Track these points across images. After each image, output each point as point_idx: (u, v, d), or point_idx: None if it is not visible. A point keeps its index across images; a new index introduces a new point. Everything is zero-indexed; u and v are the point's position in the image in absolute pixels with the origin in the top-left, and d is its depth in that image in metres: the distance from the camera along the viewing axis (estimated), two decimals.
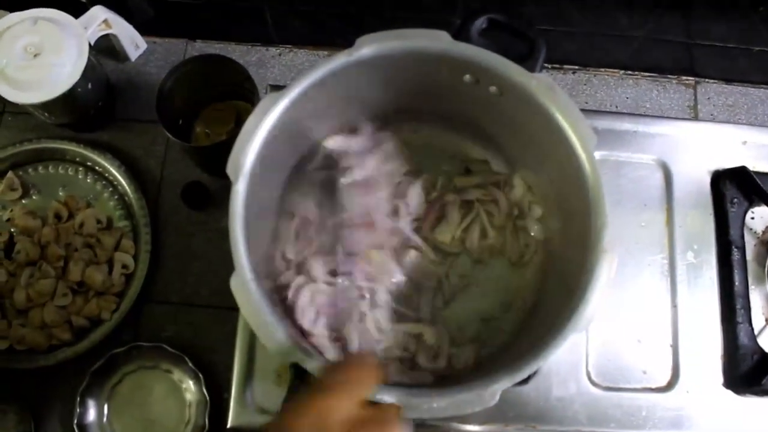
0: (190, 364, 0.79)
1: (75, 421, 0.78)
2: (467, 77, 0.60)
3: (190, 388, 0.81)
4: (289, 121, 0.57)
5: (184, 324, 0.84)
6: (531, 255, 0.67)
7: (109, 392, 0.81)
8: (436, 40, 0.58)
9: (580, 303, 0.53)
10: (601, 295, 0.53)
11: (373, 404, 0.47)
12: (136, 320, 0.83)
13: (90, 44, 0.80)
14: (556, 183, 0.63)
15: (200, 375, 0.79)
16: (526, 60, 0.60)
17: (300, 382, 0.51)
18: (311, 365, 0.50)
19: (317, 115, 0.61)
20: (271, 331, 0.50)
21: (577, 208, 0.57)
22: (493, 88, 0.60)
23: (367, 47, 0.57)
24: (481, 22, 0.60)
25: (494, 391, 0.51)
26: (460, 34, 0.59)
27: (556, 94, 0.57)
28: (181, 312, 0.84)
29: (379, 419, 0.44)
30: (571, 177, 0.57)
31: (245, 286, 0.52)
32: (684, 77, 0.94)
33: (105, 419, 0.81)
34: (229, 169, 0.54)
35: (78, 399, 0.78)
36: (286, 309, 0.62)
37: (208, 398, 0.79)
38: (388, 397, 0.50)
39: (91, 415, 0.80)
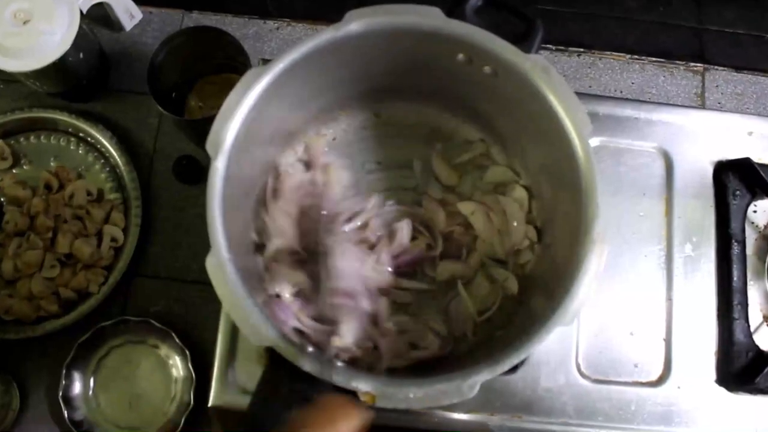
0: (177, 340, 0.79)
1: (60, 393, 0.77)
2: (460, 56, 0.58)
3: (176, 364, 0.81)
4: (275, 97, 0.55)
5: (173, 299, 0.83)
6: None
7: (95, 365, 0.81)
8: (428, 17, 0.55)
9: (567, 296, 0.51)
10: (590, 289, 0.51)
11: None
12: (124, 294, 0.83)
13: (82, 12, 0.78)
14: (549, 168, 0.61)
15: (187, 351, 0.79)
16: (523, 41, 0.57)
17: (275, 368, 0.50)
18: (287, 351, 0.49)
19: (304, 92, 0.59)
20: (247, 314, 0.49)
21: (570, 196, 0.55)
22: (486, 69, 0.58)
23: (356, 23, 0.54)
24: (476, 0, 0.58)
25: (473, 383, 0.49)
26: (453, 11, 0.57)
27: (552, 76, 0.55)
28: (171, 287, 0.84)
29: None
30: (564, 163, 0.55)
31: (222, 266, 0.50)
32: (692, 63, 0.91)
33: (91, 392, 0.80)
34: (209, 146, 0.52)
35: (64, 371, 0.78)
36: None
37: (194, 375, 0.78)
38: (362, 385, 0.49)
39: (77, 387, 0.80)
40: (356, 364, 0.58)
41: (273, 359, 0.50)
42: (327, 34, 0.55)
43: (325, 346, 0.58)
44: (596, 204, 0.53)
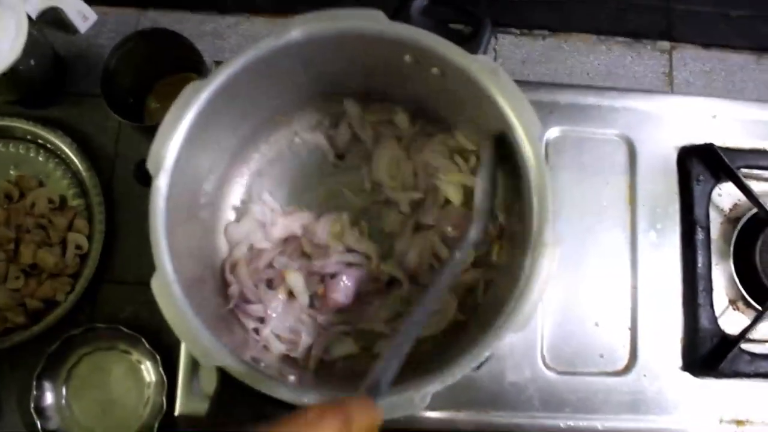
0: (147, 345, 0.79)
1: (32, 405, 0.77)
2: (407, 58, 0.56)
3: (148, 369, 0.81)
4: (219, 109, 0.54)
5: (141, 304, 0.83)
6: None
7: (66, 374, 0.81)
8: (371, 21, 0.54)
9: (517, 304, 0.50)
10: (540, 295, 0.51)
11: None
12: (92, 301, 0.82)
13: (31, 18, 0.76)
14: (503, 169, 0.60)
15: (157, 356, 0.78)
16: (471, 40, 0.56)
17: (227, 387, 0.50)
18: (237, 371, 0.49)
19: (249, 101, 0.58)
20: (195, 336, 0.49)
21: (523, 200, 0.54)
22: (434, 70, 0.56)
23: (296, 30, 0.53)
24: (422, 1, 0.56)
25: (425, 395, 0.49)
26: (399, 13, 0.56)
27: (500, 78, 0.54)
28: (138, 292, 0.83)
29: None
30: (516, 165, 0.54)
31: (167, 288, 0.50)
32: (660, 42, 0.90)
33: (63, 401, 0.80)
34: (149, 164, 0.51)
35: (34, 382, 0.78)
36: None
37: (165, 379, 0.78)
38: (307, 399, 0.49)
39: (49, 397, 0.79)
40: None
41: (224, 378, 0.50)
42: (268, 43, 0.53)
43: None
44: (547, 208, 0.52)
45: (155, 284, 0.50)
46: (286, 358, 0.61)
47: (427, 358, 0.57)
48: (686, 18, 0.86)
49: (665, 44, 0.90)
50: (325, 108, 0.66)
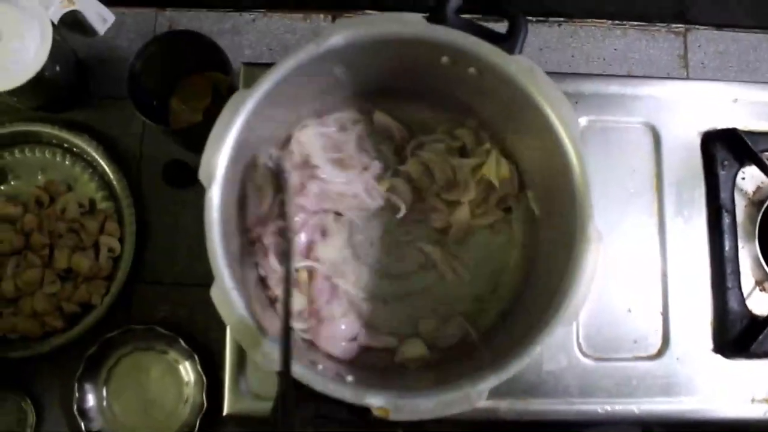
0: (184, 344, 0.80)
1: (75, 407, 0.79)
2: (444, 59, 0.57)
3: (186, 368, 0.82)
4: (260, 116, 0.55)
5: (176, 304, 0.84)
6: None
7: (106, 376, 0.82)
8: (408, 25, 0.55)
9: (565, 298, 0.52)
10: (588, 288, 0.53)
11: None
12: (127, 303, 0.83)
13: (53, 23, 0.76)
14: (541, 165, 0.61)
15: (195, 355, 0.80)
16: (507, 39, 0.57)
17: (288, 390, 0.51)
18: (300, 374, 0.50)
19: (289, 105, 0.59)
20: (256, 342, 0.50)
21: (563, 197, 0.55)
22: (471, 70, 0.57)
23: (336, 36, 0.54)
24: (457, 1, 0.57)
25: (482, 391, 0.51)
26: (435, 14, 0.56)
27: (537, 77, 0.55)
28: (172, 292, 0.84)
29: None
30: (555, 162, 0.56)
31: (227, 295, 0.51)
32: (673, 25, 0.91)
33: (105, 402, 0.82)
34: (202, 176, 0.52)
35: (76, 384, 0.79)
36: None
37: (204, 377, 0.80)
38: (375, 401, 0.50)
39: (91, 399, 0.81)
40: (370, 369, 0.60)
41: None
42: (309, 50, 0.54)
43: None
44: (590, 205, 0.53)
45: (215, 293, 0.51)
46: (342, 360, 0.62)
47: (475, 355, 0.58)
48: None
49: (679, 27, 0.91)
50: (360, 108, 0.67)
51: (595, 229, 0.53)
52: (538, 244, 0.64)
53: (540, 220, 0.64)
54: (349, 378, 0.54)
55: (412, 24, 0.55)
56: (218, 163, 0.52)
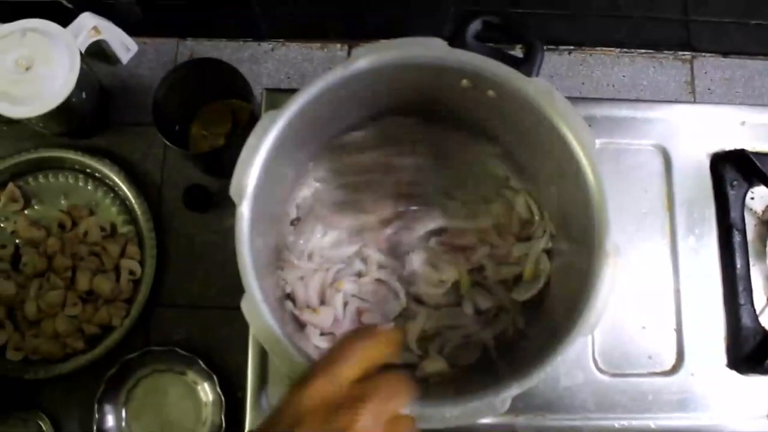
0: (203, 365, 0.81)
1: (95, 428, 0.79)
2: (464, 82, 0.59)
3: (204, 389, 0.83)
4: (288, 136, 0.57)
5: (193, 326, 0.85)
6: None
7: (125, 397, 0.83)
8: (431, 49, 0.57)
9: (585, 309, 0.54)
10: (606, 300, 0.54)
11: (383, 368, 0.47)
12: (146, 325, 0.84)
13: (81, 52, 0.79)
14: (559, 188, 0.63)
15: (214, 376, 0.81)
16: (524, 63, 0.59)
17: None
18: None
19: (314, 126, 0.61)
20: (288, 354, 0.51)
21: (580, 213, 0.57)
22: (490, 93, 0.59)
23: (363, 59, 0.56)
24: (476, 26, 0.59)
25: (505, 399, 0.52)
26: (455, 38, 0.59)
27: (555, 99, 0.57)
28: (190, 314, 0.86)
29: (390, 382, 0.45)
30: (573, 182, 0.57)
31: (257, 308, 0.52)
32: (680, 52, 0.93)
33: (123, 423, 0.82)
34: (233, 193, 0.54)
35: (96, 406, 0.80)
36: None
37: (223, 398, 0.80)
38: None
39: (110, 420, 0.82)
40: None
41: None
42: (336, 73, 0.56)
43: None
44: (608, 221, 0.55)
45: (245, 306, 0.52)
46: None
47: (493, 369, 0.60)
48: (705, 28, 0.90)
49: (686, 54, 0.94)
50: (381, 129, 0.69)
51: (612, 243, 0.55)
52: (555, 258, 0.66)
53: (557, 237, 0.66)
54: None
55: (434, 47, 0.57)
56: (249, 178, 0.54)
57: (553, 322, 0.59)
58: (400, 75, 0.59)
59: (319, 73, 0.57)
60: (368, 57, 0.56)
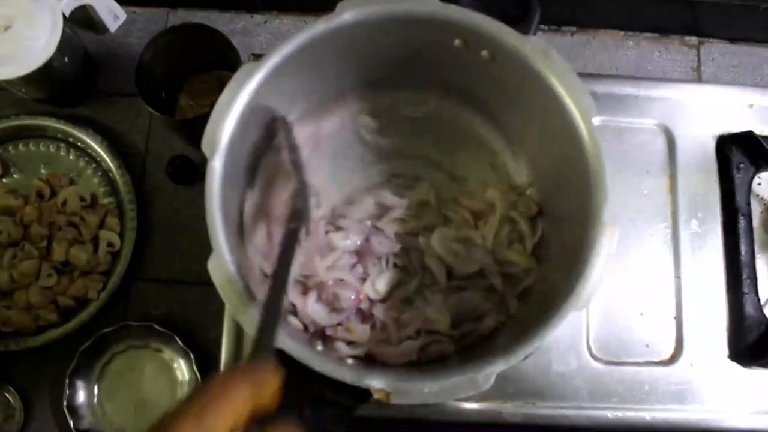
0: (180, 343, 0.78)
1: (65, 403, 0.76)
2: (457, 42, 0.56)
3: (181, 367, 0.80)
4: (269, 92, 0.54)
5: (174, 302, 0.82)
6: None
7: (98, 373, 0.80)
8: (422, 3, 0.54)
9: (579, 280, 0.50)
10: (601, 272, 0.50)
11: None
12: (124, 299, 0.81)
13: (65, 15, 0.76)
14: (553, 153, 0.59)
15: (191, 354, 0.78)
16: (520, 22, 0.56)
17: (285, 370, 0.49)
18: (296, 351, 0.48)
19: (298, 86, 0.58)
20: (252, 317, 0.48)
21: (576, 180, 0.54)
22: (484, 53, 0.56)
23: (348, 12, 0.53)
24: None
25: (489, 375, 0.48)
26: None
27: (552, 59, 0.54)
28: (171, 290, 0.83)
29: None
30: (569, 147, 0.54)
31: (224, 268, 0.49)
32: (687, 37, 0.90)
33: (95, 400, 0.79)
34: (204, 145, 0.51)
35: (67, 380, 0.77)
36: None
37: (199, 377, 0.77)
38: (376, 382, 0.48)
39: (81, 396, 0.78)
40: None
41: (282, 360, 0.49)
42: (320, 26, 0.53)
43: (335, 341, 0.57)
44: (605, 188, 0.52)
45: (212, 266, 0.49)
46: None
47: (485, 341, 0.56)
48: (713, 12, 0.86)
49: (692, 39, 0.90)
50: (367, 97, 0.66)
51: (610, 213, 0.51)
52: (551, 231, 0.62)
53: (551, 208, 0.62)
54: (350, 360, 0.52)
55: (425, 2, 0.54)
56: (222, 132, 0.51)
57: (545, 297, 0.55)
58: (389, 31, 0.56)
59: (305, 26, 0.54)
60: (353, 10, 0.53)
